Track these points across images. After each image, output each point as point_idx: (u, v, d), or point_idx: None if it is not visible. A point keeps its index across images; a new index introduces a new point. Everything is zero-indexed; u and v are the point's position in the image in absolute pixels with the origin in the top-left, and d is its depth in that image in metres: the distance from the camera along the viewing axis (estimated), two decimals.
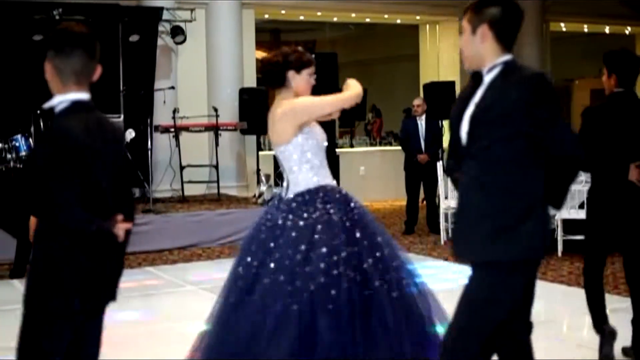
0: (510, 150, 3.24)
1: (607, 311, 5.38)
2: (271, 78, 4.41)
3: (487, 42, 3.33)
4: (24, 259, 8.25)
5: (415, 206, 11.41)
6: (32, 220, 3.56)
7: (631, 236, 5.28)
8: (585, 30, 19.89)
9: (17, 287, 8.10)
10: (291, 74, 4.35)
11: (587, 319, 5.80)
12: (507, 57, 3.34)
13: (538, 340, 3.65)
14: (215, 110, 11.97)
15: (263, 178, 11.69)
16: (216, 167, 11.98)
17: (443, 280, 7.22)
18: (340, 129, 18.10)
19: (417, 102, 11.59)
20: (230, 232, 10.50)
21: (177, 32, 12.50)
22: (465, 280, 3.40)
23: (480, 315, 3.33)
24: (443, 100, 11.15)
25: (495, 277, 3.29)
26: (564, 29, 19.36)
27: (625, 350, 5.40)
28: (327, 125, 4.66)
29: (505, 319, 3.38)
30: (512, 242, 3.25)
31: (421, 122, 11.37)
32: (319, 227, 4.09)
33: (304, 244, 4.05)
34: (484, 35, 3.32)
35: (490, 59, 3.33)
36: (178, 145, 11.77)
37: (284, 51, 4.43)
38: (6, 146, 10.26)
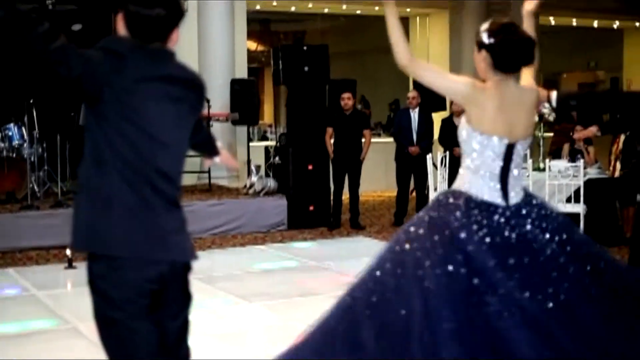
0: None
1: None
2: None
3: None
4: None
5: (405, 197, 11.49)
6: None
7: None
8: (574, 23, 19.98)
9: None
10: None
11: None
12: None
13: None
14: (207, 100, 11.94)
15: (254, 169, 11.70)
16: None
17: None
18: None
19: (411, 94, 11.64)
20: (221, 223, 10.57)
21: None
22: None
23: None
24: (433, 93, 11.15)
25: None
26: (552, 23, 19.45)
27: None
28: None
29: None
30: None
31: (414, 115, 11.44)
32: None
33: None
34: None
35: None
36: None
37: None
38: None
